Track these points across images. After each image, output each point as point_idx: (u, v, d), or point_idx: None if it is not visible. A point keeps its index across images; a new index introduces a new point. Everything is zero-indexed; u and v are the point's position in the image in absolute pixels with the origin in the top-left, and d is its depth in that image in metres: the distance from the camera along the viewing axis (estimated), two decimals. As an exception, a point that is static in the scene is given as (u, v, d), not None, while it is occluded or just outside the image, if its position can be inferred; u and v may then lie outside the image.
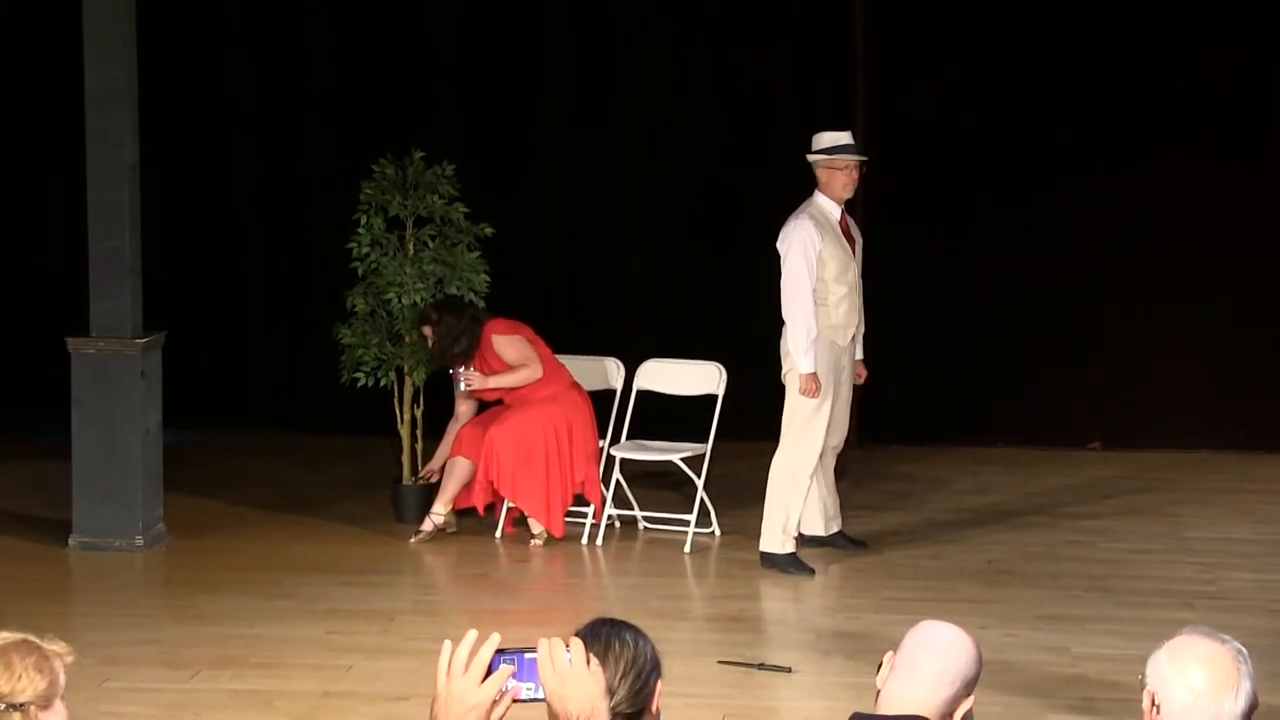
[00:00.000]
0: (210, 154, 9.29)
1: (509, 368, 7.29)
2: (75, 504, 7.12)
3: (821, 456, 6.86)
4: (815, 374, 6.69)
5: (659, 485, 7.77)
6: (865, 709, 2.95)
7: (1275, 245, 8.68)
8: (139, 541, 7.08)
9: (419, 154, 7.54)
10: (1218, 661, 2.56)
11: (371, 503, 7.81)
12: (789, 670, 5.63)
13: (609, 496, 7.36)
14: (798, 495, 6.79)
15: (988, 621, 5.97)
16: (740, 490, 7.51)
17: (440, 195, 7.50)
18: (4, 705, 2.47)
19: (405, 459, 7.62)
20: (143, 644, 5.94)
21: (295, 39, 9.25)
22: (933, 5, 8.96)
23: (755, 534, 6.90)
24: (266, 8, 9.25)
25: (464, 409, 7.54)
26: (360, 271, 7.55)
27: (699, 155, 8.96)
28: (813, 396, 6.69)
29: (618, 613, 2.64)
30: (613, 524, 7.44)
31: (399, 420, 7.61)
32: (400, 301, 7.46)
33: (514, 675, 2.19)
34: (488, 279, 7.49)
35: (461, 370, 7.28)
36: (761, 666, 5.66)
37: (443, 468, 7.44)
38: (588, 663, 2.23)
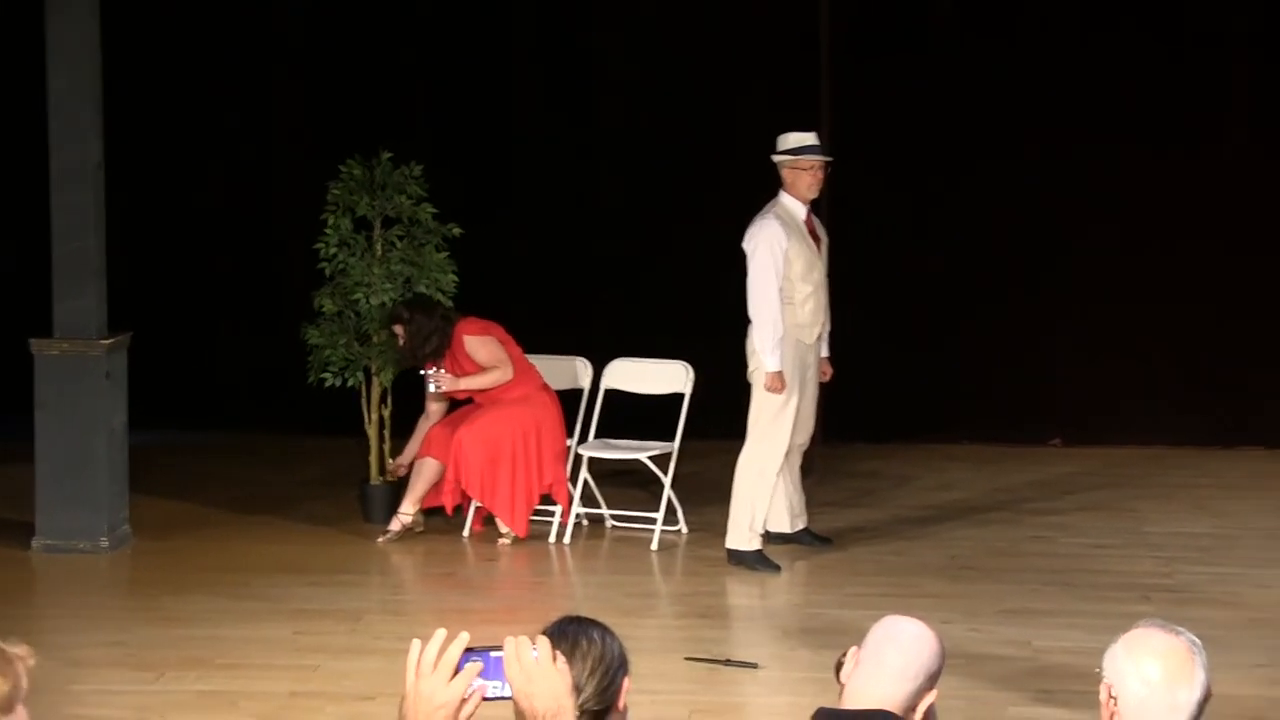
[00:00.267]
0: (177, 153, 9.26)
1: (480, 368, 7.30)
2: (39, 506, 7.08)
3: (787, 454, 6.91)
4: (781, 372, 6.73)
5: (626, 483, 7.80)
6: (831, 704, 2.97)
7: (1234, 242, 8.77)
8: (104, 543, 7.05)
9: (386, 154, 7.54)
10: (1172, 653, 2.59)
11: (339, 503, 7.81)
12: (755, 666, 5.67)
13: (577, 495, 7.39)
14: (764, 493, 6.84)
15: (951, 616, 6.02)
16: (707, 488, 7.55)
17: (408, 195, 7.51)
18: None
19: (373, 459, 7.63)
20: (108, 646, 5.93)
21: (262, 38, 9.24)
22: (898, 5, 9.01)
23: (722, 531, 6.94)
24: (233, 7, 9.23)
25: (435, 407, 7.55)
26: (328, 272, 7.56)
27: (666, 155, 8.99)
28: (779, 394, 6.74)
29: (585, 610, 2.66)
30: (580, 522, 7.46)
31: (366, 420, 7.61)
32: (368, 302, 7.47)
33: (481, 673, 2.19)
34: (455, 279, 7.51)
35: (432, 371, 7.29)
36: (728, 662, 5.69)
37: (412, 464, 7.46)
38: (554, 660, 2.24)
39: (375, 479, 7.61)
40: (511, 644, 2.22)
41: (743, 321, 6.82)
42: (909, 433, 8.98)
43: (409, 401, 7.63)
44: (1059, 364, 8.91)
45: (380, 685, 5.41)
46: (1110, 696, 2.59)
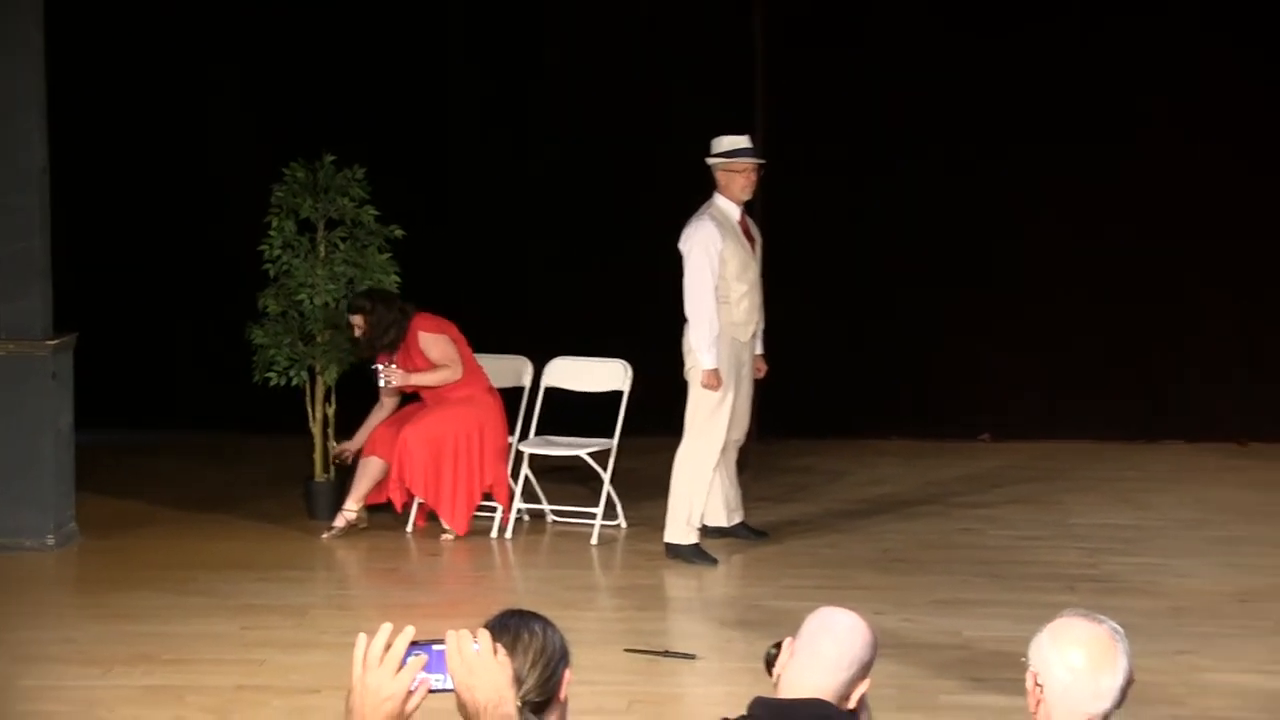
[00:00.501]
0: (122, 156, 9.23)
1: (431, 364, 7.40)
2: (-15, 505, 7.10)
3: (724, 450, 7.02)
4: (717, 370, 6.86)
5: (566, 480, 7.86)
6: (767, 693, 3.04)
7: (1157, 238, 8.90)
8: (50, 541, 7.08)
9: (329, 157, 7.61)
10: (1095, 641, 2.66)
11: (284, 500, 7.86)
12: (693, 657, 5.76)
13: (518, 491, 7.49)
14: (701, 488, 6.95)
15: (884, 607, 6.13)
16: (645, 484, 7.62)
17: (351, 198, 7.59)
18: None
19: (317, 456, 7.69)
20: (56, 643, 5.95)
21: (205, 41, 9.24)
22: (832, 7, 9.08)
23: (660, 526, 7.04)
24: (176, 10, 9.25)
25: (389, 399, 7.62)
26: (272, 273, 7.62)
27: (602, 156, 9.06)
28: (715, 391, 6.88)
29: (527, 604, 2.67)
30: (521, 518, 7.53)
31: (311, 419, 7.68)
32: (311, 302, 7.55)
33: (425, 667, 2.23)
34: (398, 279, 7.60)
35: (382, 366, 7.38)
36: (667, 654, 5.77)
37: (356, 456, 7.53)
38: (495, 653, 2.28)
39: (320, 476, 7.68)
40: (453, 637, 2.25)
41: (679, 320, 6.92)
42: (842, 429, 9.09)
43: (353, 400, 7.71)
44: (988, 361, 9.06)
45: (326, 679, 5.45)
46: (1036, 684, 2.66)
